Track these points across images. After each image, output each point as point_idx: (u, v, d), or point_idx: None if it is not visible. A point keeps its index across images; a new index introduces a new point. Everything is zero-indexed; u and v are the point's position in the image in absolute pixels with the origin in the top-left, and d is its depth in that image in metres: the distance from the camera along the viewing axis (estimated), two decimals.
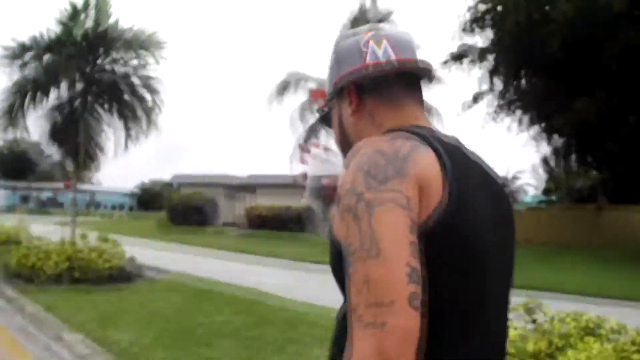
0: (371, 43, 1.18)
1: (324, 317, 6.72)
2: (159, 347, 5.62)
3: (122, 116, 12.49)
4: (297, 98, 25.94)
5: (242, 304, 8.21)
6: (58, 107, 12.37)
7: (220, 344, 5.87)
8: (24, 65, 11.80)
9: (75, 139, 12.08)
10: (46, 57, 11.85)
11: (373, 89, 1.19)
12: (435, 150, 1.02)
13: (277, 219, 28.57)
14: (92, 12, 11.67)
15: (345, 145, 1.23)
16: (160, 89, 12.52)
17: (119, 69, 12.41)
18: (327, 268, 1.15)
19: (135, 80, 12.39)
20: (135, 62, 12.36)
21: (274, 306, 8.04)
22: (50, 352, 5.79)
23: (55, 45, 11.68)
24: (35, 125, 12.58)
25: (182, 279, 11.23)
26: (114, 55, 12.35)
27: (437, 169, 0.99)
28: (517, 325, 4.35)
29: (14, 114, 11.98)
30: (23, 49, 11.59)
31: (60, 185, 60.14)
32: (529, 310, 4.57)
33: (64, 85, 12.19)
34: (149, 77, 12.44)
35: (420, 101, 1.22)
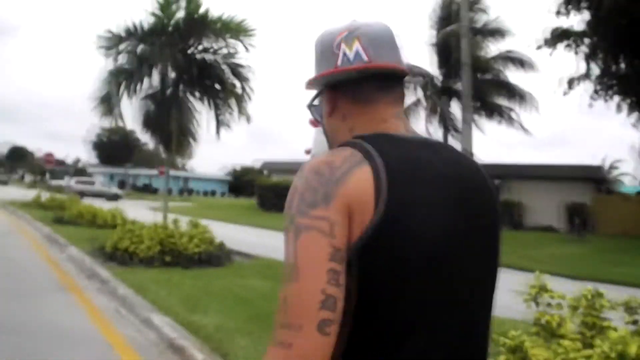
0: (342, 45, 1.17)
1: None
2: (244, 334, 5.64)
3: (213, 104, 12.72)
4: None
5: None
6: (151, 96, 12.76)
7: None
8: (118, 55, 12.22)
9: (168, 126, 12.41)
10: (140, 47, 12.21)
11: (345, 91, 1.20)
12: (374, 166, 1.03)
13: None
14: (183, 2, 11.91)
15: (329, 143, 1.28)
16: (250, 76, 12.65)
17: (210, 57, 12.63)
18: None
19: (225, 68, 12.57)
20: (225, 50, 12.55)
21: None
22: (140, 334, 5.94)
23: (148, 36, 12.02)
24: (130, 114, 13.06)
25: (269, 264, 11.32)
26: (205, 44, 12.59)
27: (371, 187, 1.01)
28: (617, 326, 4.03)
29: (110, 102, 12.46)
30: (118, 39, 12.00)
31: (154, 172, 62.84)
32: (630, 310, 4.23)
33: (156, 74, 12.57)
34: (238, 65, 12.60)
35: (395, 100, 1.21)
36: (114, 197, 44.79)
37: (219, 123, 12.74)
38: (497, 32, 25.43)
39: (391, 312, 1.01)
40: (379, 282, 1.00)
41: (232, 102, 12.59)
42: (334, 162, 1.05)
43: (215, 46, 12.56)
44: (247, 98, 12.74)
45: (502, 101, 26.23)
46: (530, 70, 25.45)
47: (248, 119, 12.81)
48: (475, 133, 21.63)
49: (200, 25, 12.12)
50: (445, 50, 24.30)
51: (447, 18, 24.82)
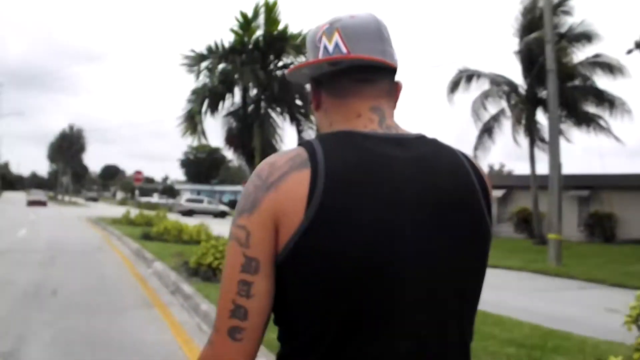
0: (323, 38, 1.16)
1: None
2: None
3: (294, 119, 12.75)
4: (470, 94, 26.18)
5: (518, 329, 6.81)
6: (233, 113, 12.95)
7: None
8: (200, 73, 12.48)
9: (250, 142, 12.54)
10: (221, 66, 12.43)
11: (327, 85, 1.18)
12: (313, 169, 1.01)
13: None
14: (262, 20, 12.04)
15: None
16: None
17: None
18: None
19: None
20: None
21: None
22: None
23: (229, 54, 12.22)
24: (214, 131, 13.30)
25: None
26: (284, 60, 12.67)
27: (304, 192, 1.00)
28: None
29: (193, 120, 12.72)
30: (200, 58, 12.26)
31: (239, 187, 64.18)
32: None
33: (238, 91, 12.76)
34: None
35: (378, 94, 1.17)
36: (221, 214, 46.10)
37: (301, 139, 12.75)
38: (583, 37, 24.13)
39: (321, 316, 1.01)
40: (311, 287, 1.01)
41: (314, 117, 12.58)
42: (276, 163, 1.05)
43: (295, 62, 12.62)
44: None
45: (591, 108, 24.89)
46: (620, 75, 24.01)
47: None
48: (563, 143, 20.68)
49: (279, 41, 12.22)
50: (530, 57, 23.39)
51: (530, 24, 23.94)
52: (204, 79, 12.75)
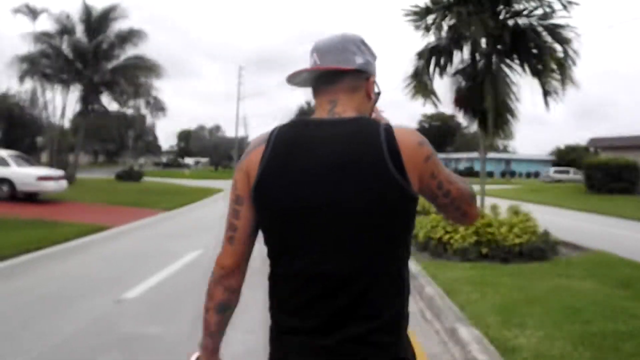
0: (313, 54, 1.63)
1: None
2: None
3: (535, 73, 11.06)
4: None
5: None
6: (461, 71, 11.69)
7: None
8: (427, 29, 11.39)
9: (481, 103, 11.19)
10: (447, 19, 11.20)
11: (313, 87, 1.67)
12: (266, 146, 1.52)
13: None
14: None
15: None
16: (572, 37, 10.69)
17: (523, 21, 11.02)
18: None
19: (542, 31, 10.82)
20: (540, 10, 10.81)
21: None
22: (444, 348, 4.93)
23: (455, 4, 10.93)
24: (442, 93, 12.16)
25: (604, 260, 9.36)
26: (515, 6, 11.01)
27: (259, 158, 1.52)
28: None
29: (420, 80, 11.73)
30: (426, 11, 11.16)
31: (476, 154, 61.91)
32: None
33: (466, 46, 11.46)
34: (557, 26, 10.72)
35: (336, 90, 1.60)
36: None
37: (546, 92, 11.03)
38: None
39: (270, 238, 1.55)
40: (261, 218, 1.55)
41: (554, 68, 10.76)
42: (254, 140, 1.60)
43: (529, 7, 10.89)
44: (570, 63, 10.78)
45: None
46: None
47: (574, 86, 10.85)
48: None
49: None
50: None
51: None
52: (429, 34, 11.67)
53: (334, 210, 1.43)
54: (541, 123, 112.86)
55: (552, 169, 51.83)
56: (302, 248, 1.47)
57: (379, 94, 1.72)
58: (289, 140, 1.51)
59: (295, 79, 1.64)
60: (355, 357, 1.42)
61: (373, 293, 1.45)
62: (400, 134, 1.48)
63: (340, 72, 1.58)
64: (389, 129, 1.48)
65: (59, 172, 20.30)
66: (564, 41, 10.68)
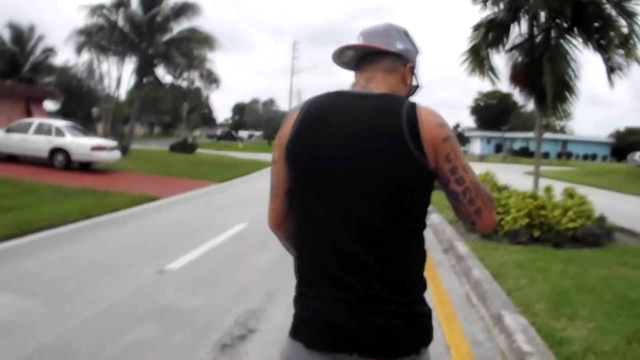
0: (359, 37, 1.76)
1: None
2: None
3: (598, 46, 10.51)
4: None
5: None
6: (519, 46, 11.24)
7: None
8: (486, 2, 10.97)
9: (539, 80, 10.74)
10: None
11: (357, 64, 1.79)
12: (299, 112, 1.65)
13: None
14: None
15: None
16: (638, 10, 10.09)
17: None
18: None
19: (606, 4, 10.25)
20: None
21: None
22: (487, 336, 4.73)
23: None
24: (500, 69, 11.72)
25: None
26: None
27: (292, 123, 1.64)
28: None
29: (478, 56, 11.33)
30: None
31: (532, 134, 60.27)
32: None
33: (524, 20, 10.98)
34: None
35: (375, 68, 1.72)
36: None
37: (610, 68, 10.49)
38: None
39: (295, 198, 1.68)
40: (290, 178, 1.67)
41: (619, 44, 10.19)
42: (292, 108, 1.72)
43: None
44: (636, 38, 10.20)
45: None
46: None
47: (638, 64, 10.28)
48: None
49: None
50: None
51: None
52: (487, 9, 11.23)
53: (351, 175, 1.54)
54: (600, 103, 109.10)
55: (638, 152, 49.34)
56: (319, 209, 1.58)
57: (417, 86, 1.79)
58: (320, 109, 1.63)
59: (340, 58, 1.76)
60: (369, 307, 1.52)
61: (382, 256, 1.54)
62: (423, 111, 1.55)
63: (380, 52, 1.71)
64: (412, 105, 1.57)
65: (113, 143, 20.69)
66: (629, 15, 10.10)
